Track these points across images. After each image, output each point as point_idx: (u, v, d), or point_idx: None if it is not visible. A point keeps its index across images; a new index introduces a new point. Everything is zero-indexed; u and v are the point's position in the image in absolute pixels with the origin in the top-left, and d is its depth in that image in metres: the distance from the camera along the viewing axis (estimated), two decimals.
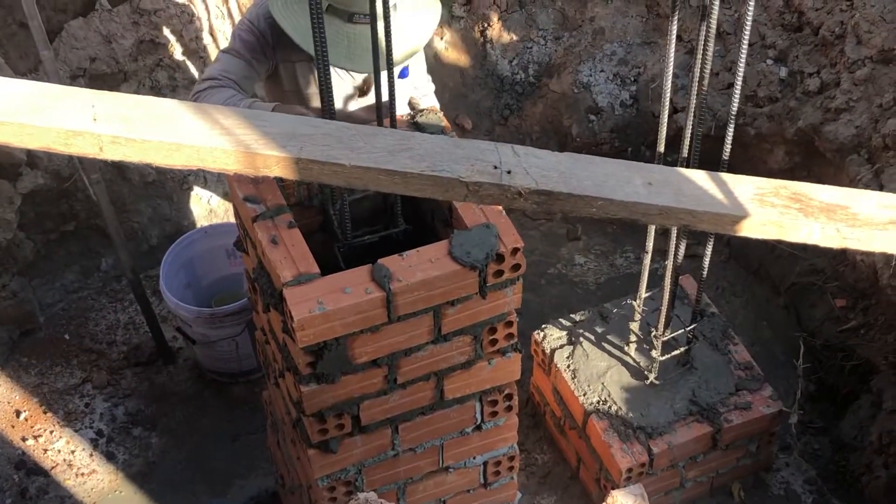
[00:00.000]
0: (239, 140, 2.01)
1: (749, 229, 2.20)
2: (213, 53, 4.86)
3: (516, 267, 2.75)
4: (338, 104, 3.46)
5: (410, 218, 3.03)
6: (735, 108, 3.11)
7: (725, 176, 2.27)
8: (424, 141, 2.18)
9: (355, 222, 2.91)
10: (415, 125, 3.16)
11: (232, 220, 4.64)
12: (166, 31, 4.65)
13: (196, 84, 3.42)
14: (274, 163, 2.03)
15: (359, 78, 3.55)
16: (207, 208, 5.17)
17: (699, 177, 2.26)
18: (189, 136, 1.98)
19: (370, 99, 3.53)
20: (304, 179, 2.10)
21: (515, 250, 2.73)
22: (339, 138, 2.11)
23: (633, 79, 5.29)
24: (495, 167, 2.13)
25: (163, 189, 4.96)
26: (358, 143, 2.11)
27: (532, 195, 2.13)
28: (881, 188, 4.19)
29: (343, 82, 3.53)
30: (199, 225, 5.06)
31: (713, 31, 2.85)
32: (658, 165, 2.36)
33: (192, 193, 5.06)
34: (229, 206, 5.00)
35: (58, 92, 1.98)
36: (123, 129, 1.95)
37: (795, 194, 2.23)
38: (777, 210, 2.19)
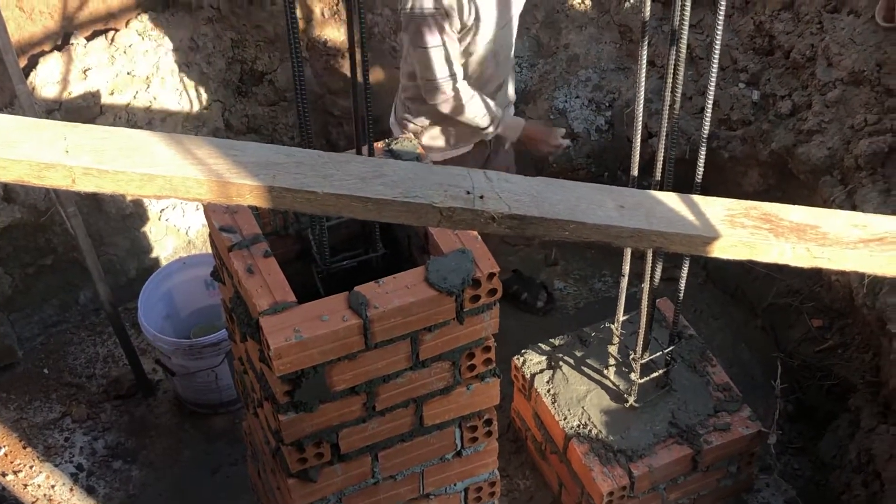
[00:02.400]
0: (211, 170, 2.01)
1: (720, 250, 2.22)
2: (189, 87, 4.87)
3: (493, 292, 2.76)
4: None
5: (387, 244, 3.04)
6: (706, 132, 3.14)
7: (696, 198, 2.29)
8: (398, 167, 2.20)
9: (334, 247, 2.92)
10: (390, 152, 3.18)
11: (210, 250, 4.64)
12: (142, 65, 4.66)
13: (443, 87, 3.99)
14: (247, 192, 2.04)
15: None
16: (185, 239, 5.17)
17: (671, 199, 2.28)
18: (161, 167, 1.98)
19: None
20: (277, 208, 2.10)
21: (492, 275, 2.74)
22: (311, 166, 2.12)
23: (607, 104, 5.32)
24: (468, 192, 2.14)
25: (140, 221, 4.96)
26: (331, 170, 2.12)
27: (505, 220, 2.14)
28: (854, 209, 4.22)
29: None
30: (177, 256, 5.06)
31: (683, 56, 2.88)
32: (630, 189, 2.38)
33: (170, 225, 5.06)
34: (207, 235, 5.01)
35: (30, 124, 1.98)
36: (95, 161, 1.95)
37: (765, 214, 2.25)
38: (748, 231, 2.21)
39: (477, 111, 4.11)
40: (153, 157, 2.00)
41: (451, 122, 4.21)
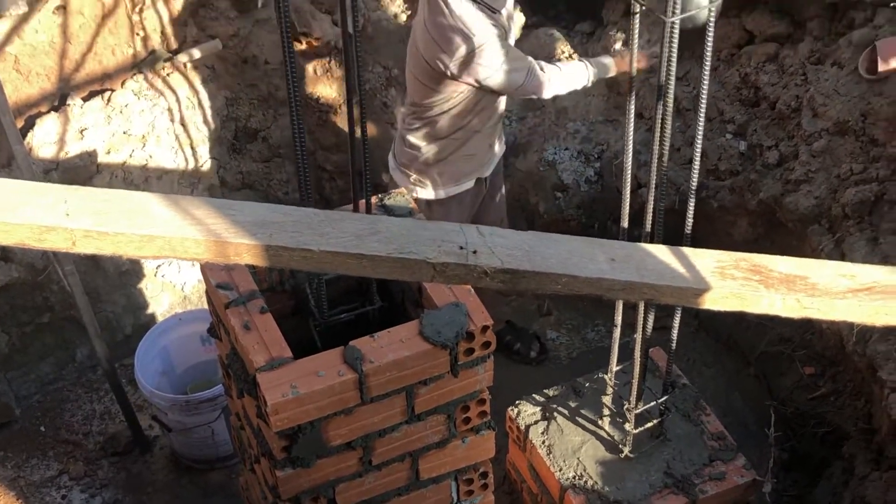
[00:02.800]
0: (209, 230, 2.05)
1: (711, 302, 2.25)
2: (184, 145, 4.92)
3: (487, 345, 2.79)
4: None
5: (383, 296, 3.08)
6: (695, 184, 3.18)
7: (686, 250, 2.33)
8: (392, 224, 2.24)
9: (331, 300, 2.95)
10: (383, 207, 3.23)
11: (206, 305, 4.67)
12: (138, 124, 4.71)
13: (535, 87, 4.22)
14: (244, 251, 2.07)
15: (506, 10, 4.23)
16: (181, 295, 5.20)
17: (661, 251, 2.32)
18: (160, 228, 2.02)
19: None
20: (274, 266, 2.14)
21: (485, 328, 2.77)
22: (308, 224, 2.16)
23: (596, 156, 5.38)
24: (461, 248, 2.18)
25: (136, 278, 4.99)
26: (326, 228, 2.16)
27: (498, 274, 2.18)
28: (842, 257, 4.27)
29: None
30: (173, 312, 5.08)
31: (670, 110, 2.93)
32: (620, 241, 2.41)
33: (166, 281, 5.09)
34: (203, 291, 5.03)
35: (30, 188, 2.02)
36: (95, 223, 1.99)
37: (755, 266, 2.29)
38: (738, 282, 2.25)
39: (572, 79, 4.33)
40: (152, 219, 2.04)
41: (451, 160, 4.30)
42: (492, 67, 4.06)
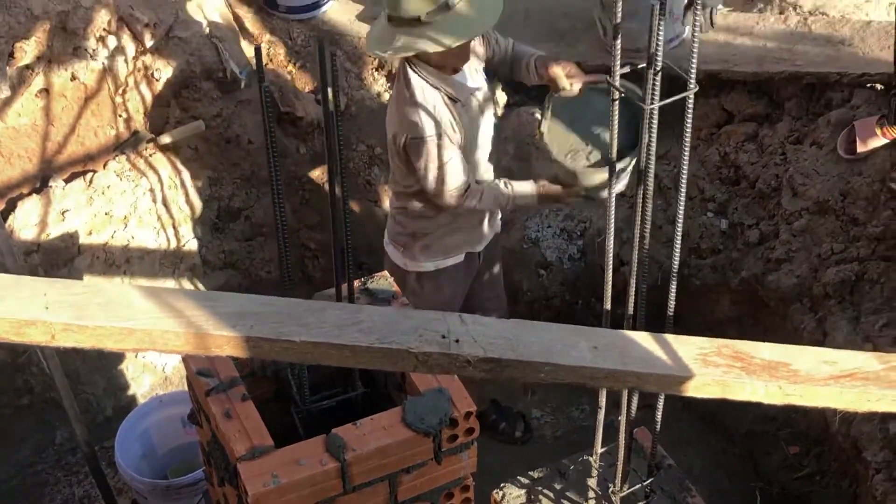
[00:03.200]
0: (190, 322, 2.04)
1: (695, 389, 2.25)
2: (166, 225, 4.92)
3: (470, 431, 2.78)
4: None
5: (365, 380, 3.06)
6: (677, 265, 3.18)
7: (669, 337, 2.33)
8: (373, 313, 2.23)
9: (313, 385, 2.94)
10: (366, 291, 3.23)
11: (187, 386, 4.63)
12: (120, 205, 4.71)
13: (454, 200, 4.12)
14: (225, 343, 2.06)
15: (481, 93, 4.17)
16: (162, 376, 5.16)
17: (643, 338, 2.32)
18: (140, 320, 2.01)
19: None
20: (255, 357, 2.13)
21: (469, 414, 2.76)
22: (289, 314, 2.15)
23: (579, 233, 5.40)
24: (443, 336, 2.18)
25: (117, 359, 4.96)
26: (308, 318, 2.15)
27: (480, 363, 2.17)
28: (824, 336, 4.28)
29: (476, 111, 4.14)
30: (154, 393, 5.04)
31: (650, 192, 2.94)
32: (603, 329, 2.42)
33: (146, 362, 5.06)
34: (184, 372, 5.00)
35: (9, 282, 2.01)
36: (75, 317, 1.98)
37: (738, 353, 2.29)
38: (720, 369, 2.25)
39: (490, 202, 4.26)
40: (132, 311, 2.03)
41: (436, 234, 4.28)
42: (424, 166, 4.02)
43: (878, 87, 4.65)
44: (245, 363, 3.00)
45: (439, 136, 3.97)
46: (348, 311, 2.21)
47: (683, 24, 5.18)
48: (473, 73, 4.16)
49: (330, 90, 2.54)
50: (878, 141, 4.39)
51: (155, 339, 2.02)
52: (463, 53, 3.97)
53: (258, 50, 2.35)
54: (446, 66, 3.98)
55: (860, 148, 4.40)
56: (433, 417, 2.72)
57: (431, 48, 3.78)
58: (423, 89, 3.94)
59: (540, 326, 2.29)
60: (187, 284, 5.05)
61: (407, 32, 3.78)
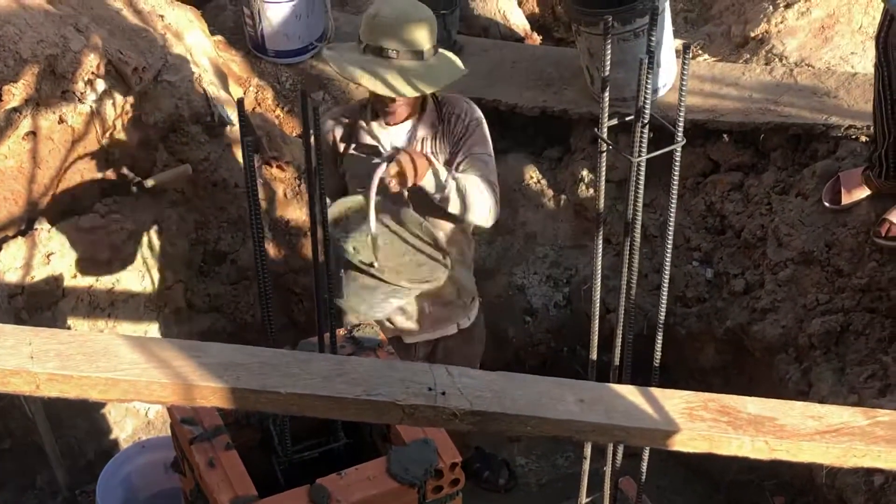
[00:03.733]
0: (176, 372, 2.03)
1: (681, 444, 2.25)
2: (152, 268, 4.91)
3: (455, 482, 2.77)
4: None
5: (349, 430, 3.04)
6: (663, 316, 3.18)
7: (655, 391, 2.33)
8: (359, 364, 2.23)
9: (296, 434, 2.92)
10: (352, 339, 3.22)
11: (170, 431, 4.60)
12: (105, 248, 4.70)
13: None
14: (210, 394, 2.06)
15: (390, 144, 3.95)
16: (145, 420, 5.12)
17: (630, 392, 2.32)
18: (125, 371, 2.01)
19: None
20: (241, 408, 2.13)
21: (454, 465, 2.75)
22: (274, 366, 2.14)
23: (565, 280, 5.41)
24: (430, 389, 2.17)
25: (100, 403, 4.92)
26: (293, 369, 2.14)
27: (467, 416, 2.17)
28: (809, 387, 4.28)
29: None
30: (136, 437, 5.00)
31: (637, 244, 2.94)
32: (589, 382, 2.42)
33: (129, 406, 5.03)
34: (167, 417, 4.97)
35: None
36: (60, 366, 1.97)
37: (724, 407, 2.29)
38: (706, 423, 2.24)
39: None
40: (118, 361, 2.02)
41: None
42: (486, 150, 4.08)
43: (864, 139, 4.69)
44: (229, 411, 2.98)
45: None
46: (334, 361, 2.21)
47: None
48: (389, 134, 3.98)
49: (312, 139, 2.55)
50: (863, 192, 4.43)
51: (140, 390, 2.01)
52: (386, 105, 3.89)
53: (241, 102, 2.35)
54: (377, 107, 3.95)
55: (845, 199, 4.43)
56: (418, 468, 2.71)
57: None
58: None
59: (526, 379, 2.29)
60: (172, 328, 5.03)
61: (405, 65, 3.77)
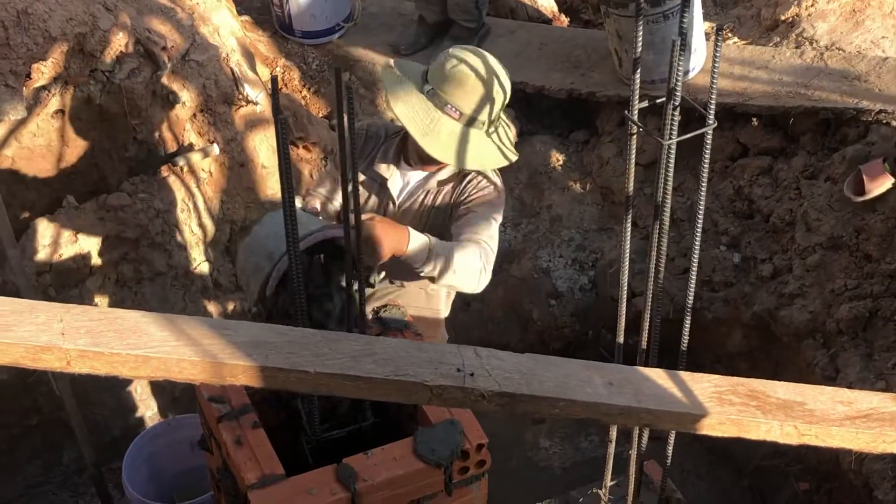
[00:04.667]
0: (205, 350, 2.04)
1: (709, 427, 2.24)
2: (178, 247, 4.92)
3: (481, 463, 2.77)
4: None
5: (376, 409, 3.04)
6: (691, 300, 3.17)
7: (684, 374, 2.32)
8: (388, 345, 2.23)
9: (323, 414, 2.92)
10: (378, 320, 3.22)
11: (196, 408, 4.62)
12: (132, 226, 4.71)
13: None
14: (240, 372, 2.06)
15: (392, 191, 3.69)
16: (171, 397, 5.15)
17: (658, 375, 2.31)
18: (156, 348, 2.01)
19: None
20: (269, 387, 2.12)
21: (480, 446, 2.75)
22: (304, 345, 2.15)
23: (591, 264, 5.40)
24: (458, 370, 2.17)
25: (126, 380, 4.95)
26: (323, 349, 2.15)
27: (495, 397, 2.17)
28: (837, 372, 4.26)
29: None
30: (162, 415, 5.03)
31: (666, 227, 2.93)
32: (618, 365, 2.41)
33: (156, 383, 5.05)
34: (193, 394, 4.99)
35: (25, 307, 2.01)
36: (91, 343, 1.97)
37: (753, 391, 2.28)
38: (736, 408, 2.23)
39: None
40: (148, 338, 2.03)
41: None
42: (494, 219, 3.70)
43: (895, 123, 4.65)
44: (257, 390, 2.99)
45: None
46: (363, 341, 2.20)
47: None
48: (403, 178, 3.74)
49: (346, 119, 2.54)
50: (887, 181, 4.38)
51: (170, 368, 2.02)
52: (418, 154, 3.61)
53: (274, 81, 2.34)
54: (412, 146, 3.62)
55: (868, 189, 4.39)
56: (445, 449, 2.70)
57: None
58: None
59: (554, 361, 2.28)
60: (198, 306, 5.05)
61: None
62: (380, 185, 3.71)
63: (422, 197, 3.70)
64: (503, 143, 3.60)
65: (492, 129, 3.52)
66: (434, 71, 3.47)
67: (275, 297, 3.04)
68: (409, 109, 3.45)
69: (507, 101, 3.53)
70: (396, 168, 3.69)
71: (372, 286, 3.25)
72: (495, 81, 3.45)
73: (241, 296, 5.27)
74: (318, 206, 3.72)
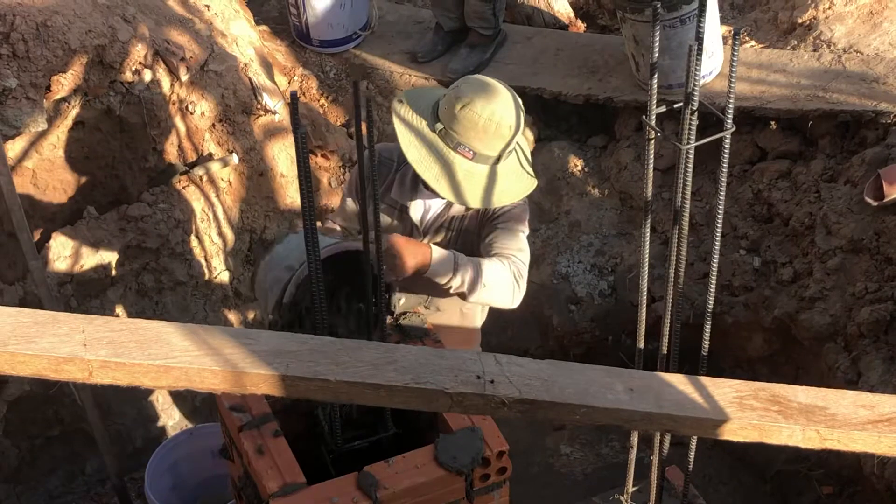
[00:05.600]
0: (226, 360, 2.04)
1: (731, 433, 2.23)
2: (199, 256, 4.95)
3: (502, 470, 2.77)
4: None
5: (396, 418, 3.05)
6: (711, 305, 3.17)
7: (705, 379, 2.31)
8: (408, 353, 2.23)
9: (344, 421, 2.92)
10: (398, 328, 3.22)
11: (217, 417, 4.64)
12: (153, 236, 4.74)
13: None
14: (261, 381, 2.07)
15: (414, 217, 3.65)
16: (192, 406, 5.17)
17: (679, 380, 2.30)
18: (177, 358, 2.02)
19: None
20: (290, 396, 2.13)
21: (501, 453, 2.75)
22: (324, 353, 2.15)
23: (610, 269, 5.39)
24: (478, 377, 2.17)
25: (148, 390, 4.97)
26: (343, 357, 2.15)
27: (515, 404, 2.16)
28: (859, 376, 4.24)
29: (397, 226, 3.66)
30: (184, 424, 5.05)
31: (685, 233, 2.93)
32: (639, 371, 2.40)
33: (177, 393, 5.07)
34: (214, 404, 5.00)
35: (47, 318, 2.02)
36: (113, 354, 1.99)
37: (774, 396, 2.27)
38: (757, 413, 2.22)
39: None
40: (169, 349, 2.04)
41: None
42: (522, 230, 3.69)
43: None
44: (277, 399, 3.00)
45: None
46: (383, 350, 2.21)
47: None
48: (424, 204, 3.68)
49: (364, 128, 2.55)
50: None
51: (192, 377, 2.02)
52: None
53: (294, 96, 2.35)
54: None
55: (888, 192, 4.37)
56: (465, 456, 2.71)
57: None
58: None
59: (575, 367, 2.28)
60: (218, 316, 5.07)
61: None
62: (400, 212, 3.68)
63: (447, 221, 3.66)
64: (522, 166, 3.56)
65: (508, 156, 3.48)
66: (444, 111, 3.41)
67: (292, 307, 3.04)
68: (419, 154, 3.40)
69: (521, 129, 3.46)
70: (416, 194, 3.65)
71: (392, 313, 3.25)
72: (506, 116, 3.38)
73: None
74: (338, 230, 3.73)
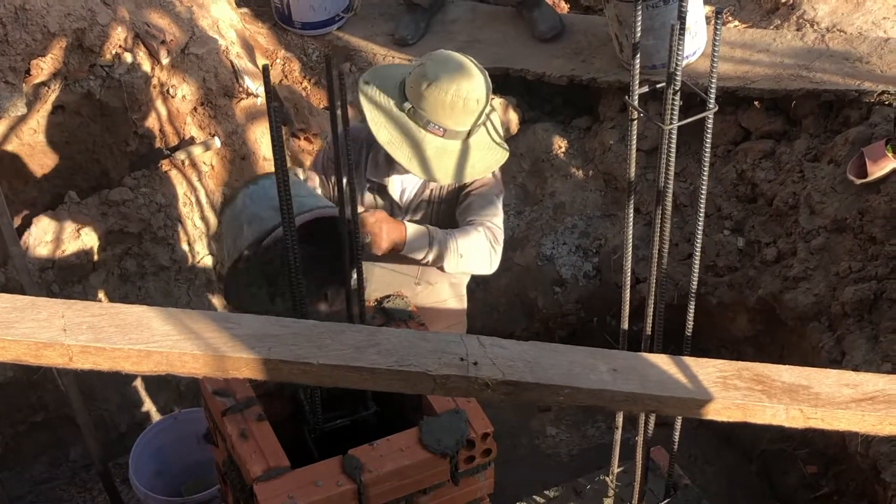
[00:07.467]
0: (208, 344, 2.04)
1: (714, 412, 2.23)
2: (181, 241, 4.92)
3: (487, 452, 2.76)
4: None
5: (379, 399, 3.04)
6: (695, 285, 3.16)
7: (688, 360, 2.31)
8: (391, 335, 2.22)
9: (326, 403, 2.91)
10: (382, 311, 3.21)
11: (202, 401, 4.62)
12: (135, 221, 4.71)
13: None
14: (243, 365, 2.06)
15: (393, 194, 3.68)
16: (177, 391, 5.15)
17: (663, 361, 2.30)
18: (158, 343, 2.01)
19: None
20: (273, 380, 2.12)
21: (486, 435, 2.75)
22: (307, 337, 2.14)
23: (594, 250, 5.39)
24: (462, 359, 2.17)
25: (132, 375, 4.94)
26: (326, 340, 2.14)
27: (499, 386, 2.16)
28: (843, 355, 4.25)
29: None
30: (168, 409, 5.03)
31: (668, 212, 2.92)
32: (622, 351, 2.41)
33: (161, 377, 5.05)
34: (199, 388, 4.99)
35: (26, 304, 2.00)
36: (93, 339, 1.97)
37: (758, 376, 2.27)
38: (741, 392, 2.23)
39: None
40: (150, 333, 2.03)
41: None
42: (495, 203, 3.73)
43: None
44: (261, 382, 2.99)
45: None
46: (366, 332, 2.20)
47: None
48: (402, 181, 3.72)
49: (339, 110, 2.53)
50: (889, 163, 4.36)
51: (173, 362, 2.01)
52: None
53: (265, 69, 2.34)
54: None
55: (871, 170, 4.38)
56: (450, 438, 2.70)
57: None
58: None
59: (558, 349, 2.28)
60: (202, 300, 5.05)
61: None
62: (378, 190, 3.70)
63: (427, 193, 3.70)
64: (492, 138, 3.57)
65: (478, 130, 3.49)
66: (411, 90, 3.43)
67: (264, 254, 2.99)
68: (390, 135, 3.43)
69: (490, 101, 3.48)
70: (391, 171, 3.67)
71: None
72: (473, 91, 3.39)
73: None
74: (317, 184, 3.72)
